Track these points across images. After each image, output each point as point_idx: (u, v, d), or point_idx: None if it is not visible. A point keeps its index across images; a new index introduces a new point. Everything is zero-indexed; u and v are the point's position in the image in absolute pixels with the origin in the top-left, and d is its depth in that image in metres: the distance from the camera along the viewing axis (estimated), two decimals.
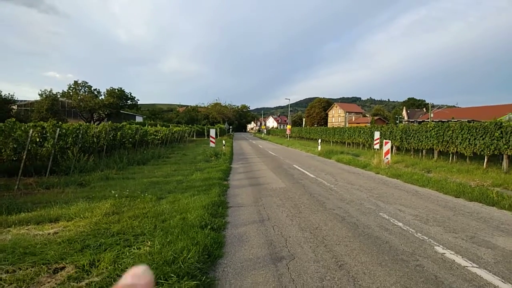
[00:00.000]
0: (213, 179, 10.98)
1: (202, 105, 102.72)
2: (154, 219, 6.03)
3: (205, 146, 27.62)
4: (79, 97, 52.49)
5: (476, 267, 4.30)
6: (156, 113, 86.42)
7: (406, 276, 4.04)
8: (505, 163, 12.56)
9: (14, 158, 9.05)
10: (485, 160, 13.50)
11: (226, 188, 9.99)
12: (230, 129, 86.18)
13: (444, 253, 4.76)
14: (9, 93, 41.68)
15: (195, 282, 3.63)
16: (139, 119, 61.68)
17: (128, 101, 59.05)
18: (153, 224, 5.72)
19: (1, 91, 39.80)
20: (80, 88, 55.38)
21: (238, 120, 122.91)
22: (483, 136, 13.30)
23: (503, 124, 12.48)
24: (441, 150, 16.56)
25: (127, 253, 4.42)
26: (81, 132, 12.58)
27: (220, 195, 8.52)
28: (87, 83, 56.23)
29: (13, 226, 5.63)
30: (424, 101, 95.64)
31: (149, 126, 28.09)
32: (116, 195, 7.86)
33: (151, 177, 11.44)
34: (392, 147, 18.65)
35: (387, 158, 14.90)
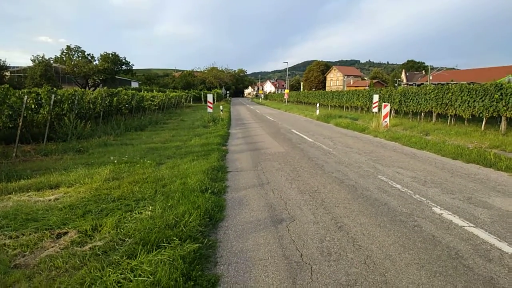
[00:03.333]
0: (211, 144, 10.97)
1: (198, 70, 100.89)
2: (155, 184, 6.05)
3: (202, 112, 27.42)
4: (72, 63, 51.38)
5: (473, 226, 4.38)
6: (151, 78, 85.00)
7: (404, 236, 4.11)
8: (503, 125, 12.58)
9: (11, 125, 8.96)
10: (483, 122, 13.49)
11: (225, 153, 9.99)
12: (227, 94, 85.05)
13: (441, 214, 4.84)
14: (0, 59, 40.54)
15: (197, 245, 3.68)
16: (134, 84, 60.75)
17: (123, 66, 57.88)
18: (153, 189, 5.74)
19: None
20: (73, 53, 54.01)
21: (235, 85, 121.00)
22: (483, 98, 13.18)
23: (503, 85, 12.34)
24: (439, 112, 16.50)
25: (129, 218, 4.47)
26: (76, 98, 12.35)
27: (219, 160, 8.54)
28: (80, 47, 54.77)
29: (13, 193, 5.65)
30: (424, 63, 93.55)
31: (145, 92, 27.67)
32: (115, 161, 7.85)
33: (150, 143, 11.40)
34: (390, 110, 18.52)
35: (385, 121, 14.86)
